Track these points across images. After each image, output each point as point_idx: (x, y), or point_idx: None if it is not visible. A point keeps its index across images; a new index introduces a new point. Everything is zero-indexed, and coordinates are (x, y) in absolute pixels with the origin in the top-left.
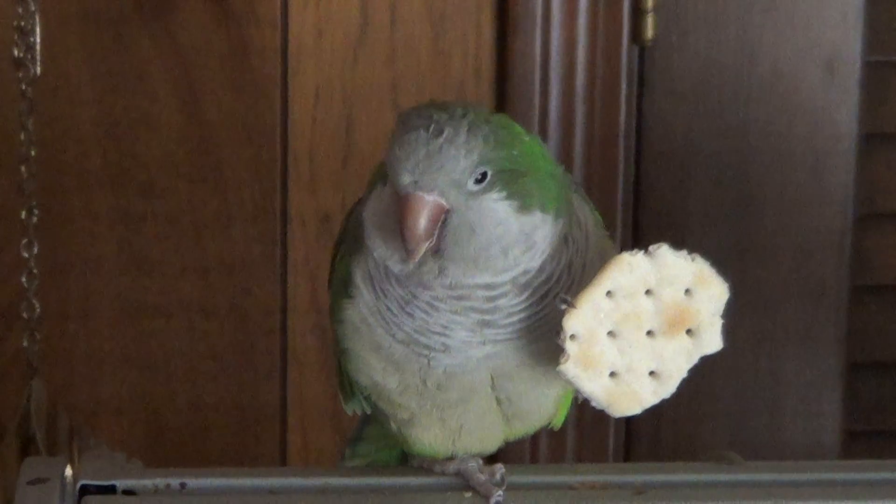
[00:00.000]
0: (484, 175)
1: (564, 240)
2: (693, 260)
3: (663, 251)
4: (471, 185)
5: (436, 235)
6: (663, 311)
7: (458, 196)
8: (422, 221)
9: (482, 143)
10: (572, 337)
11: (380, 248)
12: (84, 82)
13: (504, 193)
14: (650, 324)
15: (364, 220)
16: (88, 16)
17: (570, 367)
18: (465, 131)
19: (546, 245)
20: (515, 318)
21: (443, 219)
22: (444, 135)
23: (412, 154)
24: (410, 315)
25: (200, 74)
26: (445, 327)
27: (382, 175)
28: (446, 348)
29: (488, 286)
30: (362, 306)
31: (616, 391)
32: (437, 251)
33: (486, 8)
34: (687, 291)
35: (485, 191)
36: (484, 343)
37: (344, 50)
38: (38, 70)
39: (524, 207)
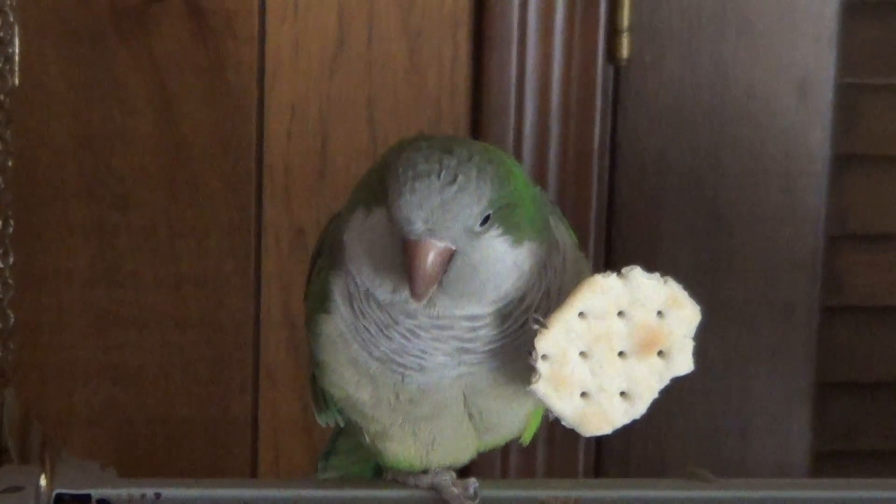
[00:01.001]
0: (487, 216)
1: (543, 266)
2: (665, 282)
3: (636, 273)
4: (477, 227)
5: (440, 276)
6: (635, 333)
7: (464, 239)
8: (433, 268)
9: (490, 188)
10: (544, 357)
11: (367, 276)
12: (61, 94)
13: (501, 230)
14: (622, 345)
15: (346, 244)
16: (66, 28)
17: (541, 387)
18: (475, 177)
19: (531, 275)
20: (494, 345)
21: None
22: (458, 182)
23: (425, 202)
24: (389, 338)
25: (177, 88)
26: (424, 351)
27: (363, 198)
28: (422, 368)
29: (472, 318)
30: (340, 322)
31: (587, 411)
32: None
33: (463, 25)
34: (659, 313)
35: (486, 230)
36: (459, 365)
37: (320, 65)
38: (17, 81)
39: (517, 241)
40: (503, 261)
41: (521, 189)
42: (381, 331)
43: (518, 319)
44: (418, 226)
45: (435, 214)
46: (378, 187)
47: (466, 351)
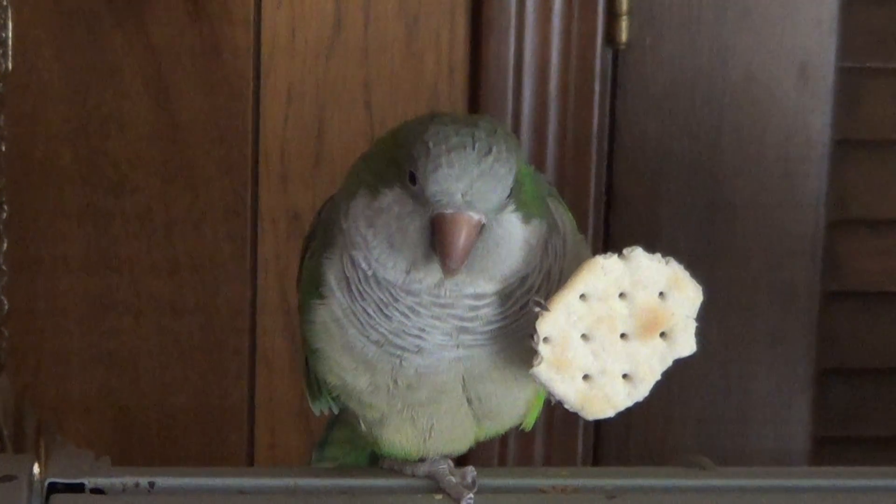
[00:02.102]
0: (511, 190)
1: (545, 247)
2: (667, 263)
3: (637, 254)
4: (504, 201)
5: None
6: (637, 314)
7: (493, 213)
8: (469, 241)
9: (515, 160)
10: (545, 340)
11: (377, 258)
12: (55, 79)
13: (515, 205)
14: (624, 326)
15: (349, 228)
16: (61, 12)
17: (543, 370)
18: (505, 149)
19: (535, 254)
20: (493, 326)
21: None
22: (493, 153)
23: (465, 173)
24: (388, 317)
25: (173, 72)
26: (422, 330)
27: (368, 182)
28: (420, 350)
29: (476, 296)
30: (335, 307)
31: (589, 394)
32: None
33: (460, 9)
34: (661, 294)
35: (507, 204)
36: (458, 347)
37: (317, 49)
38: (10, 65)
39: (526, 218)
40: (517, 238)
41: (523, 167)
42: (381, 310)
43: (519, 300)
44: (457, 198)
45: (474, 186)
46: (389, 168)
47: (465, 331)
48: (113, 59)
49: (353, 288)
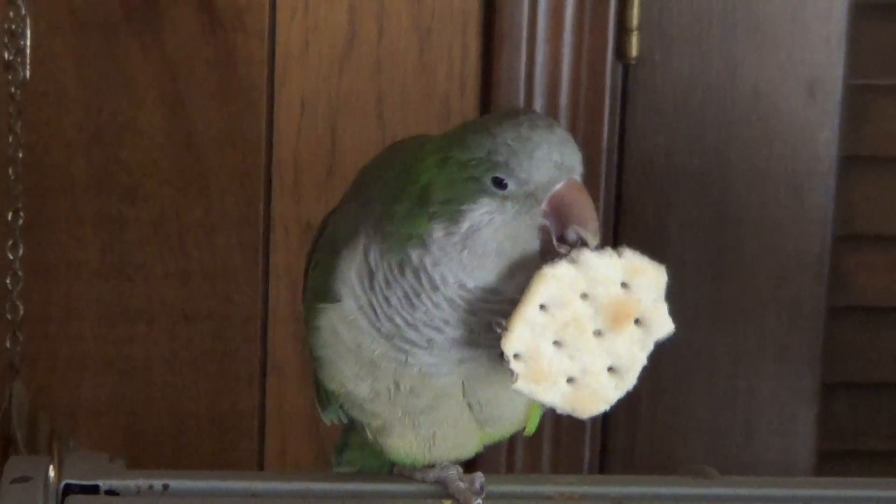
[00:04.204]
0: None
1: None
2: (620, 255)
3: (584, 255)
4: None
5: None
6: (603, 310)
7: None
8: (591, 201)
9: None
10: (516, 356)
11: (491, 275)
12: (71, 87)
13: None
14: (594, 324)
15: (443, 260)
16: (78, 21)
17: (522, 385)
18: (546, 117)
19: None
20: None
21: None
22: (550, 121)
23: (553, 147)
24: (413, 306)
25: (187, 82)
26: (447, 322)
27: (432, 213)
28: (430, 345)
29: None
30: (350, 302)
31: (577, 395)
32: None
33: (473, 23)
34: (623, 284)
35: None
36: (467, 344)
37: (330, 61)
38: (28, 74)
39: None
40: None
41: None
42: (409, 299)
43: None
44: (562, 171)
45: (565, 154)
46: (460, 186)
47: (499, 325)
48: (128, 68)
49: (379, 277)
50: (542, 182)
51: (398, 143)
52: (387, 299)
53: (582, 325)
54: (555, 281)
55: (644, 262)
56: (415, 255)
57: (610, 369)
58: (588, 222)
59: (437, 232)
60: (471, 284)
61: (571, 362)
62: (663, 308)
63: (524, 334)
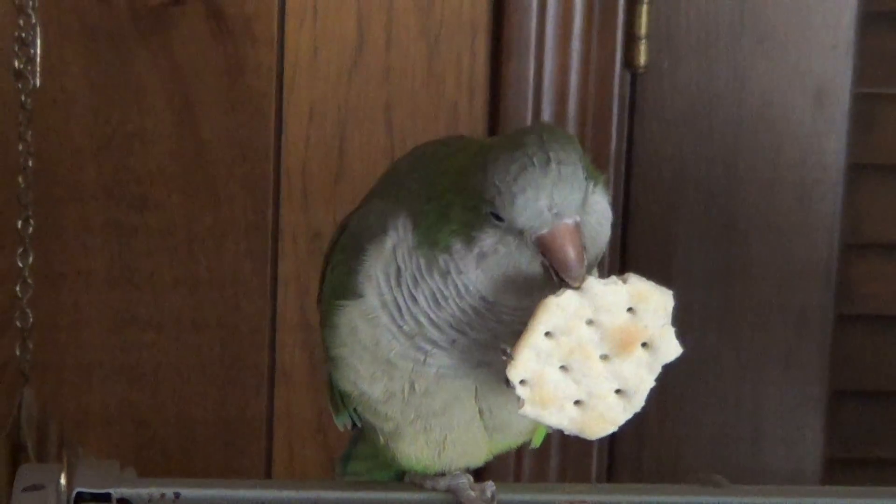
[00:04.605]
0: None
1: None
2: (626, 282)
3: (590, 283)
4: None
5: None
6: (609, 337)
7: (580, 207)
8: (577, 247)
9: (574, 148)
10: (522, 382)
11: (498, 295)
12: (81, 95)
13: (599, 186)
14: (599, 350)
15: (461, 272)
16: (87, 30)
17: (528, 409)
18: (560, 147)
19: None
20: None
21: None
22: (553, 158)
23: (541, 192)
24: (440, 307)
25: (196, 90)
26: (472, 327)
27: (455, 229)
28: (452, 345)
29: None
30: (373, 299)
31: (584, 417)
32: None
33: (481, 31)
34: (630, 309)
35: (588, 190)
36: (492, 349)
37: (339, 69)
38: (38, 82)
39: (604, 186)
40: (609, 211)
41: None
42: (436, 299)
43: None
44: (545, 216)
45: (554, 198)
46: (468, 212)
47: (517, 334)
48: (138, 77)
49: (407, 275)
50: (527, 226)
51: (426, 145)
52: (413, 297)
53: (587, 350)
54: (559, 310)
55: (650, 287)
56: (441, 259)
57: (618, 391)
58: (569, 270)
59: (457, 246)
60: (491, 298)
61: (578, 387)
62: (670, 333)
63: (530, 361)
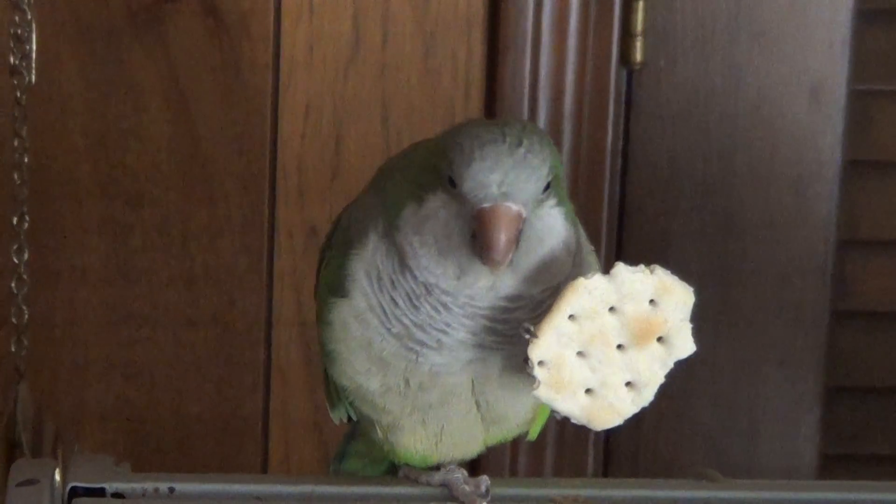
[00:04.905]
0: (548, 183)
1: (571, 253)
2: (652, 272)
3: (619, 270)
4: (541, 194)
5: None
6: (629, 326)
7: (532, 206)
8: (510, 232)
9: (550, 152)
10: (541, 363)
11: (428, 268)
12: (76, 92)
13: (556, 200)
14: (618, 339)
15: (401, 239)
16: (83, 26)
17: (542, 392)
18: (537, 141)
19: (569, 259)
20: (518, 330)
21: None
22: (524, 145)
23: (499, 165)
24: (416, 308)
25: (192, 87)
26: (449, 325)
27: (408, 194)
28: (440, 346)
29: (514, 298)
30: (360, 300)
31: (594, 406)
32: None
33: (477, 28)
34: (651, 302)
35: (546, 198)
36: (477, 346)
37: (335, 66)
38: (33, 78)
39: (568, 215)
40: (560, 233)
41: (559, 166)
42: (411, 301)
43: (548, 305)
44: (493, 190)
45: (509, 176)
46: (430, 175)
47: (492, 331)
48: (133, 74)
49: (385, 278)
50: (472, 194)
51: (422, 141)
52: (394, 300)
53: (607, 338)
54: (587, 293)
55: (675, 281)
56: (398, 238)
57: (628, 384)
58: (491, 252)
59: (407, 212)
60: (431, 279)
61: (592, 374)
62: (688, 329)
63: (551, 342)
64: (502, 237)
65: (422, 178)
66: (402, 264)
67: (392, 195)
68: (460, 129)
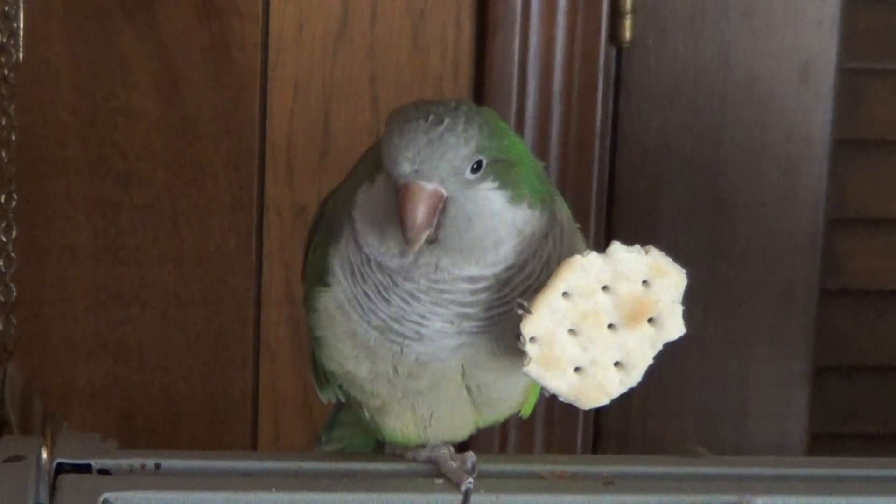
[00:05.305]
0: (479, 164)
1: (545, 236)
2: (647, 252)
3: (615, 248)
4: (468, 174)
5: (434, 224)
6: (622, 305)
7: (456, 184)
8: (422, 209)
9: (478, 132)
10: (532, 339)
11: (374, 245)
12: (65, 70)
13: (497, 183)
14: (610, 318)
15: (355, 218)
16: (71, 4)
17: (533, 369)
18: (462, 121)
19: (532, 241)
20: (494, 312)
21: (441, 207)
22: (444, 124)
23: (412, 143)
24: (388, 301)
25: (181, 65)
26: (423, 317)
27: (369, 171)
28: (420, 337)
29: (473, 279)
30: (339, 293)
31: (582, 385)
32: (433, 241)
33: (466, 6)
34: (644, 282)
35: (480, 180)
36: (459, 333)
37: (324, 44)
38: (21, 56)
39: (514, 199)
40: (500, 216)
41: (519, 152)
42: (380, 293)
43: (518, 287)
44: (405, 167)
45: (422, 153)
46: (379, 156)
47: (467, 317)
48: (122, 51)
49: (356, 271)
50: (392, 172)
51: None
52: (366, 294)
53: (599, 317)
54: (582, 270)
55: (668, 262)
56: (353, 222)
57: (617, 364)
58: (404, 229)
59: (361, 191)
60: (379, 258)
61: (583, 352)
62: (679, 311)
63: (544, 318)
64: (412, 215)
65: (376, 158)
66: (367, 257)
67: (356, 177)
68: (398, 109)
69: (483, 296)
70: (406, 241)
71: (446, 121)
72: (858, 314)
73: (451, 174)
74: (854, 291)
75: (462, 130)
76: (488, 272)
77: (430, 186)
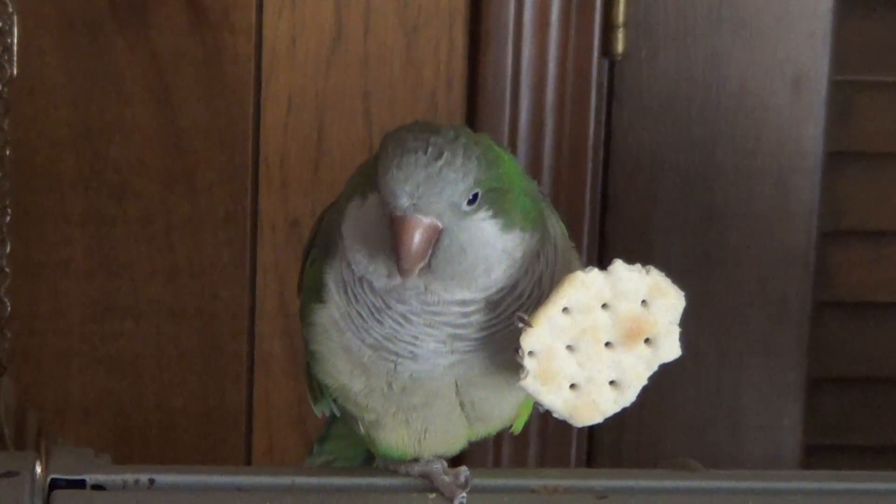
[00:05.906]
0: (475, 196)
1: (536, 255)
2: (648, 272)
3: (617, 266)
4: (464, 206)
5: (428, 255)
6: (620, 324)
7: (451, 217)
8: (419, 243)
9: (476, 166)
10: (531, 353)
11: (362, 263)
12: (59, 85)
13: (490, 212)
14: (608, 336)
15: (343, 232)
16: (65, 19)
17: (529, 383)
18: (461, 154)
19: (523, 263)
20: (486, 332)
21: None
22: (444, 158)
23: (411, 177)
24: (380, 323)
25: (175, 79)
26: (416, 338)
27: (359, 187)
28: (414, 356)
29: (463, 302)
30: (333, 310)
31: (577, 402)
32: (425, 268)
33: (459, 19)
34: (643, 302)
35: (474, 211)
36: (453, 352)
37: (317, 58)
38: (15, 71)
39: (507, 226)
40: (492, 244)
41: (512, 176)
42: (373, 315)
43: (510, 307)
44: (403, 200)
45: (420, 189)
46: (372, 173)
47: (459, 338)
48: (115, 65)
49: (349, 291)
50: (388, 202)
51: None
52: (359, 314)
53: (597, 334)
54: (583, 287)
55: (668, 284)
56: (342, 237)
57: (612, 383)
58: (399, 261)
59: (351, 207)
60: (367, 275)
61: (580, 369)
62: (675, 333)
63: (544, 333)
64: (409, 248)
65: (368, 173)
66: (360, 278)
67: (347, 192)
68: (394, 133)
69: (475, 318)
70: (400, 271)
71: (445, 154)
72: (852, 326)
73: (448, 208)
74: (847, 303)
75: (461, 165)
76: (480, 296)
77: (427, 220)
